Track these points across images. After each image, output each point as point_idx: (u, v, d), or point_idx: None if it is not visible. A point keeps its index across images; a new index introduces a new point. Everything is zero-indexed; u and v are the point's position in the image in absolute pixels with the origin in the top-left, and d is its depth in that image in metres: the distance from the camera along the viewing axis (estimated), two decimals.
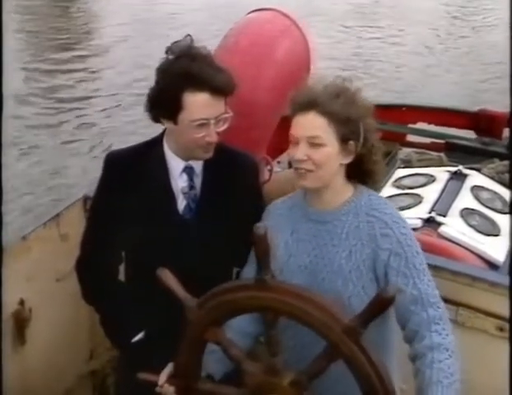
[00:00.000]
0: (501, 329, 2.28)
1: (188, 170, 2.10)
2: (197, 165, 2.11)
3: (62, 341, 2.70)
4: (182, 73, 1.96)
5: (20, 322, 2.52)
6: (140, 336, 2.13)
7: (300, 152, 1.81)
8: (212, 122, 1.98)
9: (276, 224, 1.92)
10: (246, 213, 2.00)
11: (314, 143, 1.80)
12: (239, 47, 2.80)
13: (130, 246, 2.14)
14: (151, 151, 2.13)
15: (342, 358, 1.58)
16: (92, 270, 2.17)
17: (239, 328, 1.87)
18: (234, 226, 2.01)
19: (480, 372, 2.27)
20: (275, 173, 2.75)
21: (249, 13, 3.11)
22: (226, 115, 2.02)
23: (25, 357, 2.55)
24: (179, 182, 2.10)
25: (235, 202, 2.08)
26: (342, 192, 1.89)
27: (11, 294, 2.28)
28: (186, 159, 2.09)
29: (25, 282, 2.49)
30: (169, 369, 1.84)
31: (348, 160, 1.85)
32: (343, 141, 1.82)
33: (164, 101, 1.99)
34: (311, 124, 1.81)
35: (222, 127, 2.02)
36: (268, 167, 2.79)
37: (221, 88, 1.97)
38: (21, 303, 2.50)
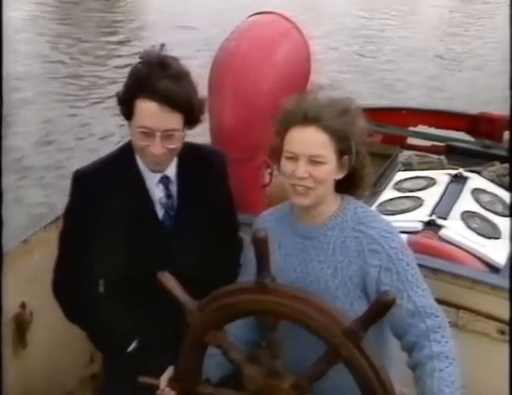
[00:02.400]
0: (502, 332, 2.28)
1: (164, 180, 2.08)
2: (172, 173, 2.09)
3: (62, 345, 2.69)
4: (136, 79, 1.95)
5: (21, 325, 2.51)
6: (134, 345, 2.12)
7: (301, 170, 1.75)
8: (158, 134, 1.92)
9: None
10: (219, 206, 2.06)
11: (315, 161, 1.76)
12: (240, 50, 2.80)
13: (111, 258, 2.04)
14: (122, 165, 2.08)
15: (342, 361, 1.58)
16: (70, 291, 2.12)
17: (237, 337, 1.86)
18: (212, 224, 2.05)
19: (481, 375, 2.27)
20: (275, 176, 2.75)
21: (249, 16, 3.12)
22: (179, 133, 1.97)
23: (25, 360, 2.55)
24: (156, 192, 2.08)
25: (209, 200, 2.10)
26: (330, 205, 1.85)
27: (12, 297, 2.27)
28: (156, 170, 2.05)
29: (26, 285, 2.49)
30: (169, 372, 1.84)
31: (342, 174, 1.82)
32: (339, 156, 1.79)
33: (123, 103, 1.99)
34: (314, 141, 1.76)
35: (173, 145, 1.97)
36: (269, 170, 2.79)
37: (171, 101, 1.90)
38: (22, 306, 2.50)
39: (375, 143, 4.30)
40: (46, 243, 2.56)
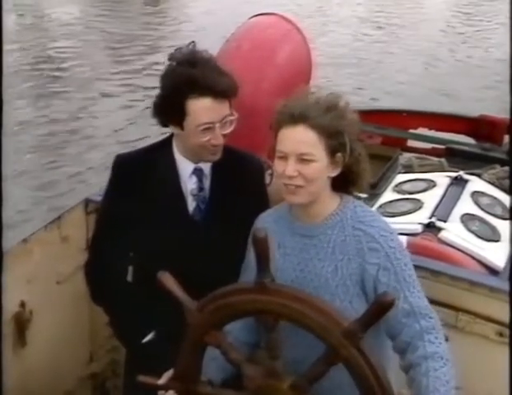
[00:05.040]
0: (501, 334, 2.28)
1: (198, 172, 2.12)
2: (206, 167, 2.12)
3: (62, 344, 2.70)
4: (184, 80, 1.97)
5: (21, 324, 2.51)
6: (150, 336, 2.12)
7: (290, 168, 1.76)
8: (217, 125, 1.99)
9: None
10: (253, 215, 2.00)
11: (304, 159, 1.77)
12: (241, 51, 2.82)
13: (140, 248, 2.14)
14: (160, 154, 2.14)
15: (341, 362, 1.58)
16: (101, 272, 2.17)
17: (237, 338, 1.86)
18: (242, 227, 2.00)
19: (480, 377, 2.27)
20: (276, 177, 2.75)
21: (251, 18, 3.13)
22: (232, 117, 2.03)
23: (25, 359, 2.55)
24: (189, 184, 2.12)
25: (243, 204, 2.09)
26: (328, 204, 1.85)
27: (11, 296, 2.28)
28: (195, 161, 2.11)
29: (25, 284, 2.49)
30: (169, 372, 1.84)
31: (336, 172, 1.82)
32: (331, 154, 1.79)
33: (169, 108, 2.01)
34: (301, 139, 1.77)
35: (228, 130, 2.03)
36: (269, 171, 2.79)
37: (223, 92, 1.97)
38: (22, 305, 2.50)
39: (375, 145, 4.31)
40: (46, 242, 2.57)
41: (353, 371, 1.58)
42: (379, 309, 1.53)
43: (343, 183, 1.86)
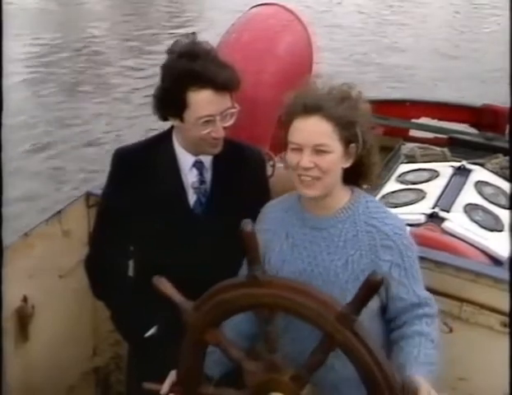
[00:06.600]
0: (505, 325, 2.26)
1: (198, 165, 2.10)
2: (207, 160, 2.11)
3: (65, 338, 2.70)
4: (184, 73, 1.96)
5: (23, 318, 2.51)
6: (152, 331, 2.12)
7: (305, 160, 1.73)
8: (218, 118, 1.98)
9: (271, 227, 1.88)
10: (254, 207, 1.98)
11: (319, 150, 1.74)
12: (241, 42, 2.80)
13: (140, 242, 2.13)
14: (160, 147, 2.13)
15: (337, 346, 1.56)
16: (102, 266, 2.16)
17: (241, 331, 1.86)
18: (242, 219, 1.99)
19: (484, 368, 2.26)
20: (278, 168, 2.74)
21: (251, 8, 3.10)
22: (233, 110, 2.01)
23: (27, 354, 2.55)
24: (189, 177, 2.10)
25: (244, 196, 2.08)
26: (340, 196, 1.83)
27: (13, 290, 2.28)
28: (195, 154, 2.09)
29: (27, 279, 2.49)
30: (171, 377, 1.81)
31: (349, 163, 1.80)
32: (346, 144, 1.77)
33: (169, 101, 2.00)
34: (317, 130, 1.74)
35: (229, 122, 2.02)
36: (271, 162, 2.78)
37: (224, 84, 1.96)
38: (24, 299, 2.50)
39: (377, 136, 4.27)
40: (47, 237, 2.56)
41: (350, 355, 1.56)
42: (370, 289, 1.51)
43: (353, 176, 1.84)
